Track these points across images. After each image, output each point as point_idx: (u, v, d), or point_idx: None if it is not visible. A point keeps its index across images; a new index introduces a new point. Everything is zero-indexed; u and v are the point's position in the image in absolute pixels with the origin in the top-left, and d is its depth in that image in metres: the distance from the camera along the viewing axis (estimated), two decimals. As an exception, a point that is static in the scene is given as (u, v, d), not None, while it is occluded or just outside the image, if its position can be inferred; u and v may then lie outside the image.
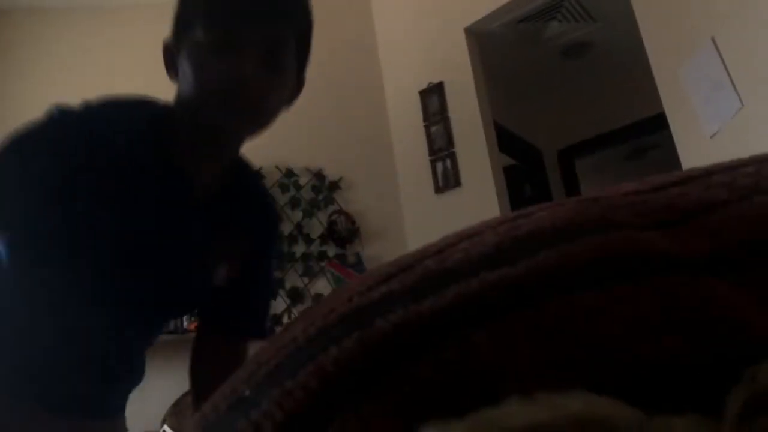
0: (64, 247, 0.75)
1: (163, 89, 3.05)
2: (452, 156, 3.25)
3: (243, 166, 0.91)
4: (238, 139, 0.83)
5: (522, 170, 4.14)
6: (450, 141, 3.28)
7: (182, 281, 0.84)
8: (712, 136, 2.20)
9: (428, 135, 3.37)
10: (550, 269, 0.19)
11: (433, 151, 3.33)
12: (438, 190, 3.28)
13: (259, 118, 0.78)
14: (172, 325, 2.80)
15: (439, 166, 3.29)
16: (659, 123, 2.75)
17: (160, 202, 0.79)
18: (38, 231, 0.74)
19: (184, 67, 0.76)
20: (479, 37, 3.43)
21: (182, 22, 0.78)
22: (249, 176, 0.94)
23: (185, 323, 3.01)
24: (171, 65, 0.81)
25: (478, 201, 3.11)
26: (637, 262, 0.19)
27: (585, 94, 4.28)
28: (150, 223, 0.78)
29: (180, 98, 0.80)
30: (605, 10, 3.44)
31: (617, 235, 0.20)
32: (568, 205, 0.23)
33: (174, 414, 2.81)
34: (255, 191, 0.94)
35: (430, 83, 3.42)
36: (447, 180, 3.25)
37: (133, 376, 0.93)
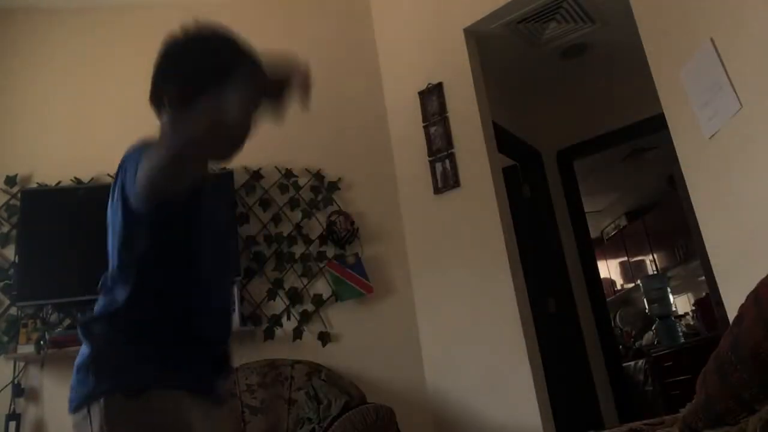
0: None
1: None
2: (451, 157, 3.25)
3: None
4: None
5: (521, 171, 4.15)
6: (449, 142, 3.28)
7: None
8: (710, 137, 2.20)
9: (427, 135, 3.37)
10: None
11: (432, 152, 3.33)
12: (437, 190, 3.28)
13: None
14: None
15: (438, 166, 3.29)
16: (658, 124, 2.75)
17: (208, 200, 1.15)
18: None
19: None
20: (478, 38, 3.43)
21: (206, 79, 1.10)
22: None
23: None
24: (176, 106, 1.15)
25: (477, 202, 3.11)
26: None
27: (584, 94, 4.28)
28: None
29: None
30: (604, 10, 3.44)
31: None
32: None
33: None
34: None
35: (430, 84, 3.42)
36: (446, 180, 3.25)
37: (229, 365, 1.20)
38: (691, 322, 5.71)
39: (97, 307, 1.08)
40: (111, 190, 1.11)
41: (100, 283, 1.10)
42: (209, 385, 1.07)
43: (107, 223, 1.13)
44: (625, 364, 5.14)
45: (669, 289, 5.94)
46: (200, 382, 1.04)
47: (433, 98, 3.39)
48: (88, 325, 1.06)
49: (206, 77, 1.09)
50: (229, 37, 1.18)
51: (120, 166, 1.08)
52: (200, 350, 1.06)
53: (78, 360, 1.03)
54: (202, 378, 1.05)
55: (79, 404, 0.98)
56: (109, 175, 3.29)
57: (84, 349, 1.03)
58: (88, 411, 0.96)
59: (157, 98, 1.17)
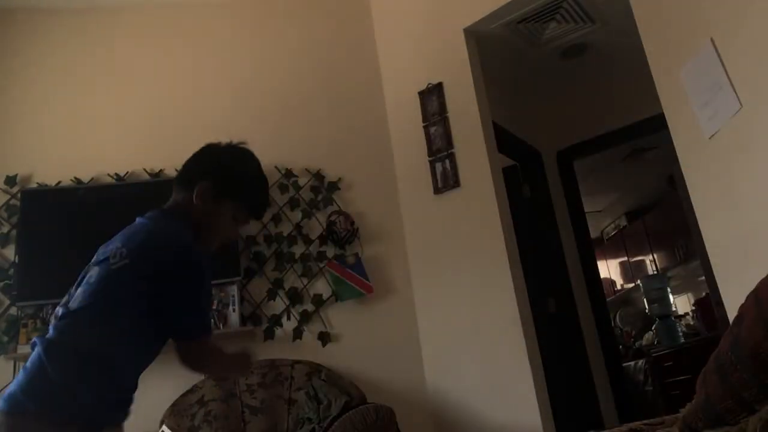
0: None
1: (160, 88, 3.05)
2: (451, 157, 3.25)
3: None
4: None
5: (521, 171, 4.14)
6: (449, 142, 3.28)
7: None
8: (710, 137, 2.20)
9: (427, 135, 3.37)
10: None
11: (432, 152, 3.33)
12: (437, 190, 3.28)
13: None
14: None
15: (438, 166, 3.29)
16: (658, 124, 2.75)
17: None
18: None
19: (218, 214, 1.45)
20: (478, 38, 3.43)
21: (242, 198, 1.48)
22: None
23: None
24: (207, 197, 1.43)
25: (477, 202, 3.11)
26: None
27: (584, 94, 4.28)
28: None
29: (200, 224, 1.42)
30: (604, 11, 3.44)
31: None
32: None
33: (172, 414, 2.81)
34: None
35: (430, 84, 3.42)
36: (446, 181, 3.25)
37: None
38: (691, 322, 5.71)
39: (62, 337, 1.29)
40: (130, 260, 1.34)
41: (63, 311, 1.34)
42: (122, 417, 1.32)
43: (101, 275, 1.35)
44: (625, 364, 5.14)
45: (669, 289, 5.94)
46: (119, 417, 1.31)
47: (433, 98, 3.39)
48: (54, 349, 1.27)
49: (234, 187, 1.46)
50: (256, 162, 1.54)
51: (152, 240, 1.36)
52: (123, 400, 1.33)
53: (30, 368, 1.26)
54: (120, 416, 1.31)
55: (18, 410, 1.18)
56: (108, 175, 3.29)
57: (38, 370, 1.23)
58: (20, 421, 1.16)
59: (186, 181, 1.45)
